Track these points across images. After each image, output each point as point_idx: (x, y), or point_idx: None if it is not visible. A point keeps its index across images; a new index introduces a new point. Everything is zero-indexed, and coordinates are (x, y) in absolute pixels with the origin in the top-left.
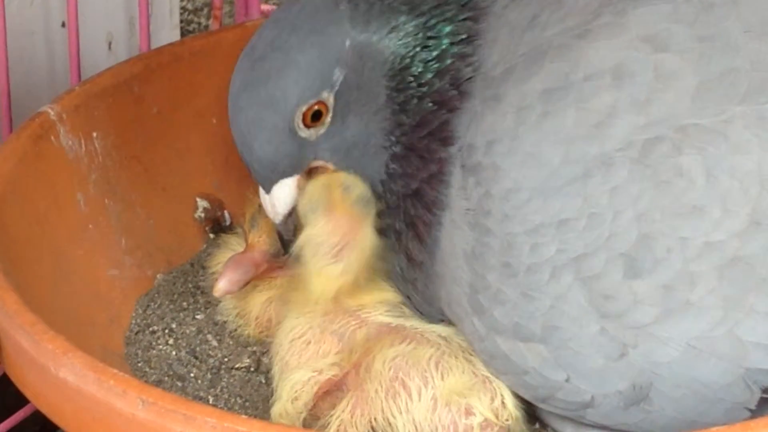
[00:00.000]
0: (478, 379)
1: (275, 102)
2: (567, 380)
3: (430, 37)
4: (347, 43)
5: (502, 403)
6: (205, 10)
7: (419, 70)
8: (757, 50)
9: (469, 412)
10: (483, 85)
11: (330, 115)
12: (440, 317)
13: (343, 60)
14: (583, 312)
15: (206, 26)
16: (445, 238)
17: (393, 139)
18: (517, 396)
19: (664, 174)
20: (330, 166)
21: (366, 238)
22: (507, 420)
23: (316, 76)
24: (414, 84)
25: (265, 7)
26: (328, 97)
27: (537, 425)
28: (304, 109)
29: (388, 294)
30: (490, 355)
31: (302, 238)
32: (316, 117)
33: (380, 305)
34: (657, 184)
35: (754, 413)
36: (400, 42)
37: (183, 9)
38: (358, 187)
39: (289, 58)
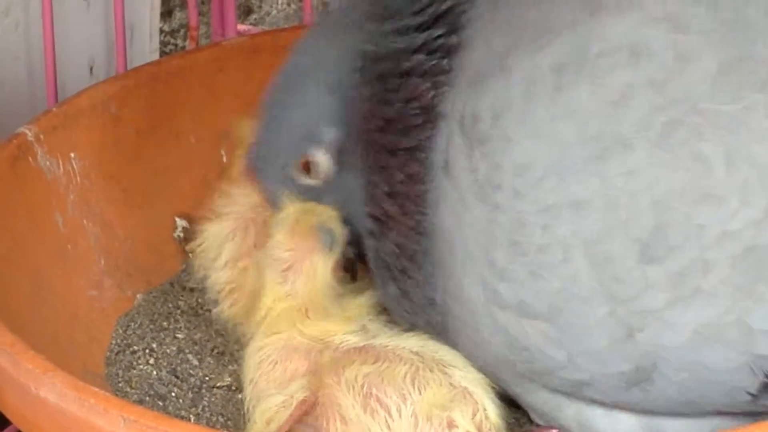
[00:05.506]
0: (458, 391)
1: (271, 154)
2: (569, 360)
3: (393, 95)
4: (333, 107)
5: (485, 415)
6: (182, 31)
7: (382, 134)
8: None
9: (451, 425)
10: (468, 79)
11: (330, 168)
12: (422, 323)
13: (332, 121)
14: (594, 294)
15: (183, 47)
16: (449, 214)
17: (368, 210)
18: (498, 405)
19: (683, 160)
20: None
21: (315, 269)
22: (490, 430)
23: (305, 133)
24: (382, 151)
25: (241, 27)
26: (323, 154)
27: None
28: (298, 162)
29: (346, 322)
30: (489, 331)
31: (264, 249)
32: (314, 169)
33: (342, 333)
34: (675, 169)
35: (755, 397)
36: (367, 108)
37: (160, 30)
38: (333, 224)
39: (281, 114)
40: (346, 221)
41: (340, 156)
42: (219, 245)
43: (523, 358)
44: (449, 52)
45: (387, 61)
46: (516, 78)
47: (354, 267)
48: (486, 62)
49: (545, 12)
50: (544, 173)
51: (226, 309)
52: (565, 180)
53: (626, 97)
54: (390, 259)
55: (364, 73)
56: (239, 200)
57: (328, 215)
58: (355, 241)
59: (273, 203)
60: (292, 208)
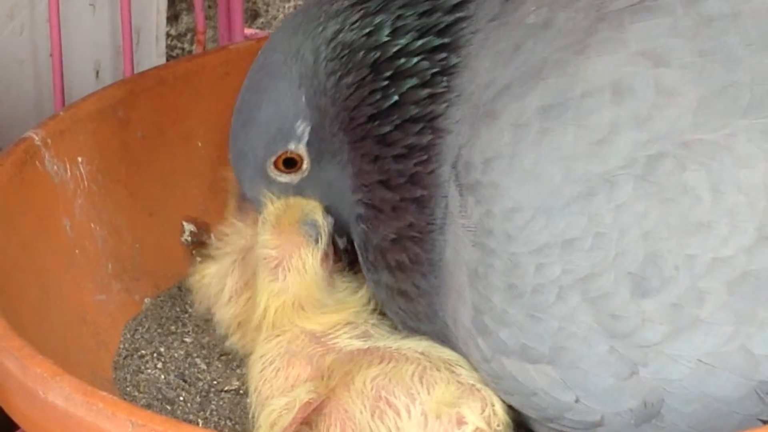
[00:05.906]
0: (465, 387)
1: (245, 156)
2: (576, 401)
3: (387, 85)
4: (302, 99)
5: (493, 410)
6: (189, 36)
7: (376, 124)
8: (758, 64)
9: (461, 422)
10: (468, 111)
11: (306, 162)
12: (425, 329)
13: (303, 114)
14: (592, 332)
15: (190, 51)
16: (450, 250)
17: (358, 197)
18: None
19: (669, 191)
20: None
21: (304, 263)
22: (498, 426)
23: (276, 131)
24: (374, 141)
25: (248, 31)
26: (297, 148)
27: None
28: (273, 159)
29: (346, 315)
30: (497, 376)
31: (254, 250)
32: (290, 164)
33: (342, 330)
34: (662, 201)
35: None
36: (352, 94)
37: (167, 35)
38: (317, 216)
39: (251, 115)
40: (329, 211)
41: (316, 147)
42: (220, 282)
43: (533, 404)
44: (450, 70)
45: (377, 52)
46: (505, 123)
47: (348, 255)
48: (481, 100)
49: (539, 49)
50: (533, 215)
51: (237, 342)
52: (554, 220)
53: (610, 135)
54: (385, 245)
55: (348, 62)
56: (234, 238)
57: (310, 207)
58: (342, 231)
59: (255, 205)
60: (273, 206)
